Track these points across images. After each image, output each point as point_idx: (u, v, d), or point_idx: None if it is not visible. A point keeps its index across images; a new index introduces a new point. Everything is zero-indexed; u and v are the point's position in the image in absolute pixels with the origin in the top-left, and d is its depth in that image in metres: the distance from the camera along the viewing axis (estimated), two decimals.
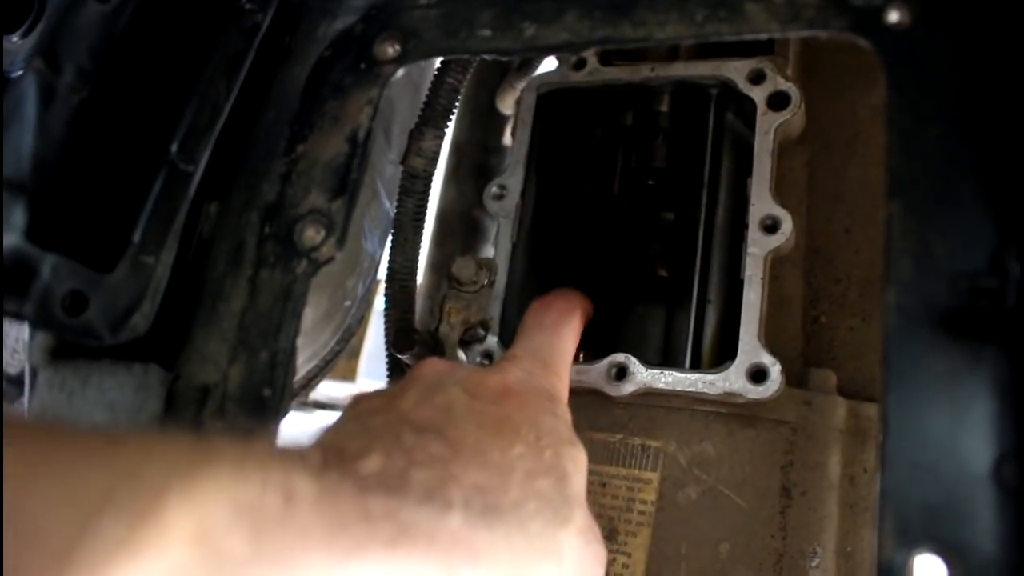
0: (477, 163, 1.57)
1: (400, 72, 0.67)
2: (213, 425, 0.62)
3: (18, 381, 0.83)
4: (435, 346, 0.95)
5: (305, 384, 1.13)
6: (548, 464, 0.67)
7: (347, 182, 0.64)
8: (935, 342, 0.49)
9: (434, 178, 1.02)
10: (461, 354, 1.00)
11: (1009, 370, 0.48)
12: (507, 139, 1.42)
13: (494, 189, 1.03)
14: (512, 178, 1.03)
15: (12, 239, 0.51)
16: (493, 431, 0.65)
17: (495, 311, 0.99)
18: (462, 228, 1.57)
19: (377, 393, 0.69)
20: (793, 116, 0.95)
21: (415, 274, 1.03)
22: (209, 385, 0.63)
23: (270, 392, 0.61)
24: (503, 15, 0.66)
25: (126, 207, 0.59)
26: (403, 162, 1.00)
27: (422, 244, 1.03)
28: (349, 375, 1.73)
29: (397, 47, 0.68)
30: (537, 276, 1.05)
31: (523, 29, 0.65)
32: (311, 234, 0.64)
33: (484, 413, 0.66)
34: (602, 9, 0.63)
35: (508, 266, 1.01)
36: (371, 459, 0.55)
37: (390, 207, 1.06)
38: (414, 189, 1.00)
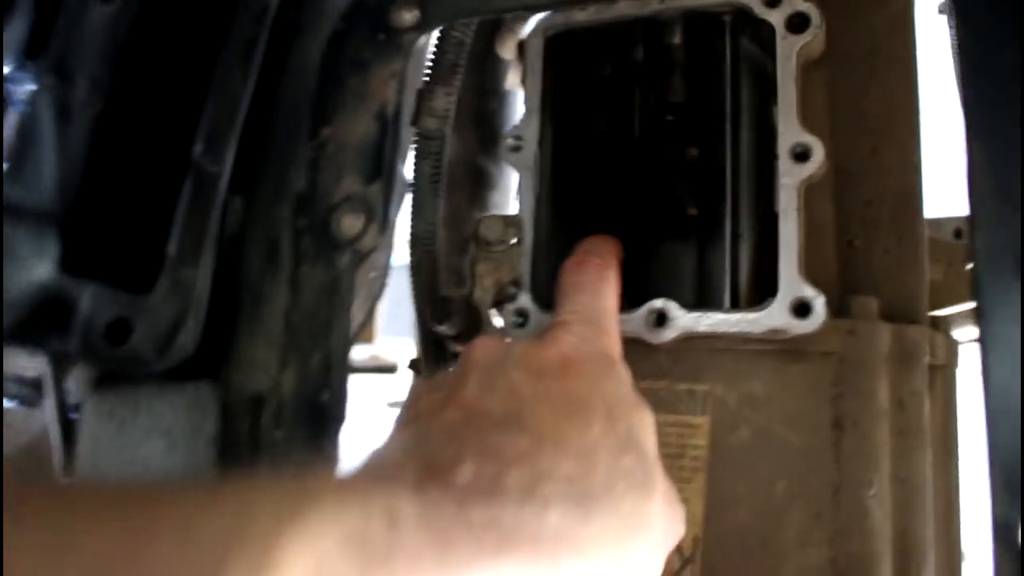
0: (475, 109, 1.52)
1: (422, 40, 0.63)
2: (272, 436, 0.60)
3: (35, 384, 0.80)
4: (470, 312, 0.93)
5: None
6: (625, 438, 0.65)
7: (382, 163, 0.61)
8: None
9: (448, 137, 0.98)
10: (496, 316, 0.97)
11: None
12: (509, 83, 1.37)
13: (510, 141, 0.99)
14: (528, 128, 0.99)
15: (48, 272, 0.48)
16: (567, 413, 0.63)
17: (525, 267, 0.96)
18: (467, 178, 1.52)
19: (436, 384, 0.68)
20: (814, 38, 0.91)
21: (436, 237, 1.00)
22: (262, 393, 0.61)
23: (329, 396, 0.59)
24: None
25: (157, 219, 0.56)
26: (415, 123, 0.96)
27: (441, 205, 1.00)
28: (366, 338, 1.71)
29: (416, 12, 0.65)
30: (563, 226, 1.02)
31: None
32: (350, 223, 0.61)
33: (551, 392, 0.65)
34: None
35: (533, 220, 0.98)
36: (464, 468, 0.53)
37: (404, 176, 1.02)
38: (429, 151, 0.97)
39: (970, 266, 1.30)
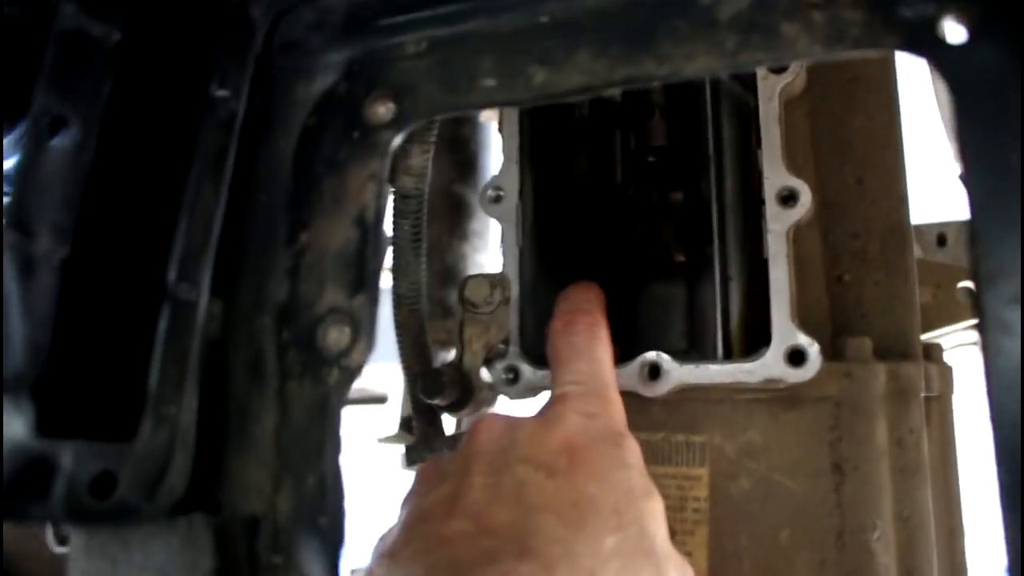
0: (450, 136, 1.49)
1: (399, 139, 0.61)
2: (269, 561, 0.58)
3: None
4: (462, 381, 0.91)
5: None
6: (636, 544, 0.64)
7: (365, 274, 0.59)
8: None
9: (426, 194, 0.96)
10: (485, 372, 0.95)
11: None
12: (484, 116, 1.34)
13: (489, 192, 0.97)
14: (507, 176, 0.97)
15: (23, 439, 0.45)
16: (576, 522, 0.61)
17: (513, 323, 0.94)
18: (445, 206, 1.50)
19: (441, 471, 0.66)
20: (796, 76, 0.89)
21: (422, 296, 0.98)
22: (257, 516, 0.59)
23: (326, 521, 0.56)
24: (506, 59, 0.60)
25: (135, 358, 0.53)
26: (391, 182, 0.94)
27: (424, 263, 0.98)
28: None
29: (391, 106, 0.62)
30: (549, 275, 1.00)
31: (531, 75, 0.59)
32: (336, 337, 0.59)
33: (559, 495, 0.63)
34: (619, 44, 0.57)
35: (518, 273, 0.96)
36: None
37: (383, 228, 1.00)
38: (408, 210, 0.95)
39: (960, 284, 1.31)
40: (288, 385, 0.60)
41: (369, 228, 0.60)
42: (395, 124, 0.61)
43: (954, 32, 0.51)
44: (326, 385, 0.58)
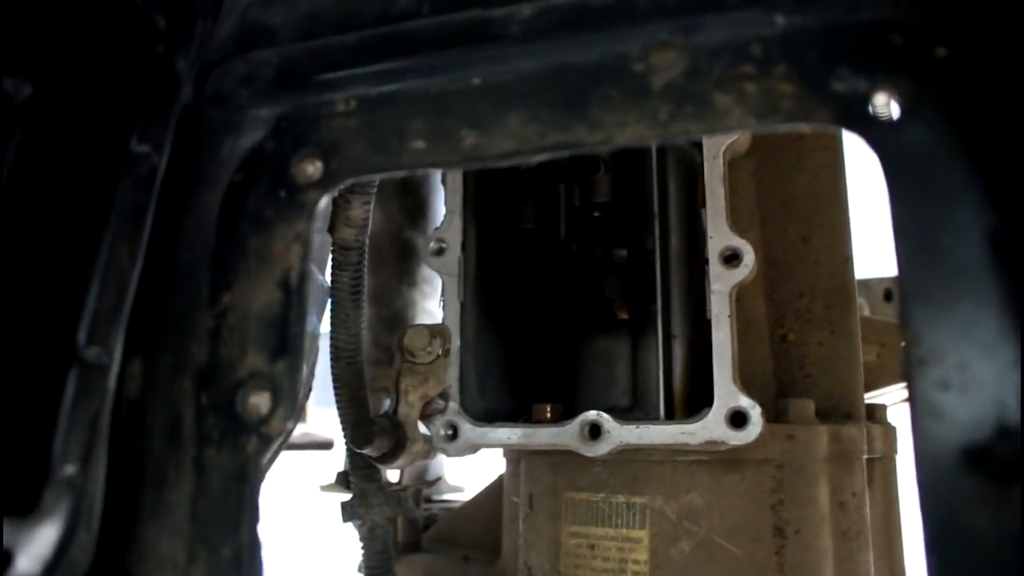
0: (399, 181, 1.48)
1: (326, 200, 0.59)
2: None
3: None
4: (396, 432, 0.89)
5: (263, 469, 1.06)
6: None
7: (287, 337, 0.57)
8: (964, 481, 0.45)
9: (367, 245, 0.95)
10: (423, 427, 0.93)
11: None
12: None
13: (432, 244, 0.95)
14: (450, 229, 0.96)
15: None
16: None
17: (453, 377, 0.92)
18: (394, 251, 1.48)
19: None
20: (741, 136, 0.89)
21: (360, 349, 0.96)
22: None
23: None
24: (436, 121, 0.58)
25: (39, 426, 0.51)
26: (331, 232, 0.93)
27: (363, 315, 0.96)
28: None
29: (319, 165, 0.60)
30: (490, 328, 0.99)
31: (461, 138, 0.57)
32: (256, 403, 0.57)
33: None
34: (549, 109, 0.56)
35: (460, 326, 0.94)
36: None
37: (323, 279, 0.98)
38: (348, 261, 0.93)
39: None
40: (206, 451, 0.57)
41: (293, 291, 0.58)
42: (322, 184, 0.60)
43: (886, 109, 0.50)
44: (244, 453, 0.56)
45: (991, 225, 0.48)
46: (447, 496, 1.42)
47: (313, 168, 0.61)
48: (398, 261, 1.49)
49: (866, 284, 1.43)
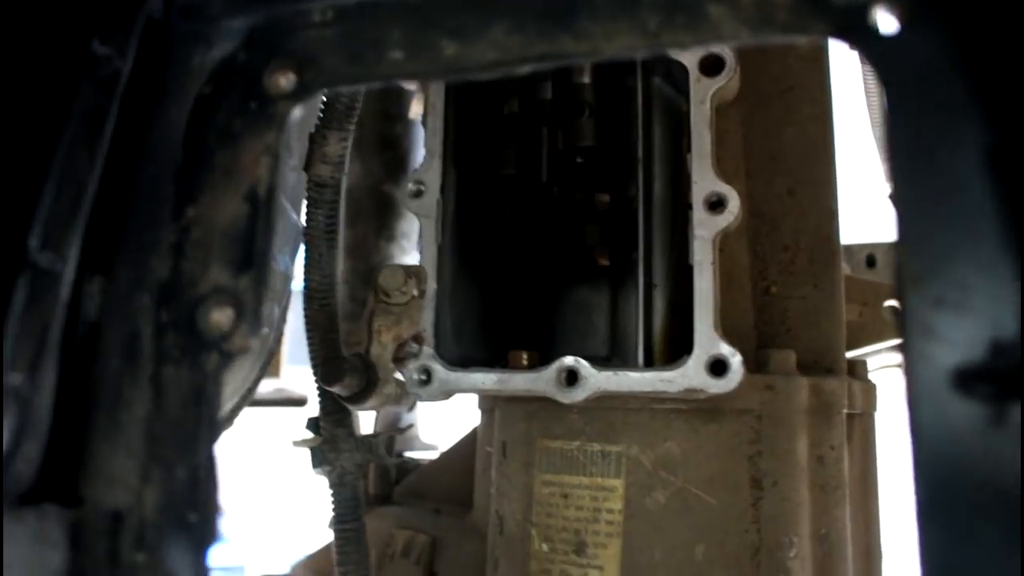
0: (379, 134, 1.45)
1: (298, 112, 0.57)
2: (132, 559, 0.53)
3: None
4: (367, 371, 0.86)
5: (230, 416, 1.03)
6: None
7: (253, 252, 0.54)
8: (957, 403, 0.43)
9: (343, 183, 0.92)
10: (397, 373, 0.91)
11: None
12: (413, 112, 1.30)
13: (411, 186, 0.93)
14: (429, 172, 0.93)
15: None
16: None
17: (428, 321, 0.90)
18: (373, 205, 1.46)
19: None
20: (729, 81, 0.86)
21: (334, 291, 0.94)
22: (121, 511, 0.53)
23: (196, 517, 0.52)
24: (416, 32, 0.56)
25: None
26: (307, 170, 0.90)
27: (338, 256, 0.93)
28: (272, 370, 1.63)
29: (292, 77, 0.57)
30: (468, 274, 0.96)
31: (442, 48, 0.55)
32: (217, 319, 0.54)
33: None
34: (536, 20, 0.53)
35: (437, 270, 0.91)
36: None
37: (297, 219, 0.95)
38: (323, 199, 0.90)
39: (887, 303, 1.30)
40: (164, 370, 0.55)
41: (260, 203, 0.55)
42: (295, 95, 0.57)
43: (886, 22, 0.48)
44: (204, 371, 0.53)
45: (990, 141, 0.46)
46: (419, 454, 1.40)
47: (286, 80, 0.58)
48: (376, 215, 1.47)
49: (849, 249, 1.41)
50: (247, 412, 1.68)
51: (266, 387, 1.63)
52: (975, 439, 0.44)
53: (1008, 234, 0.43)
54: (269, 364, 1.03)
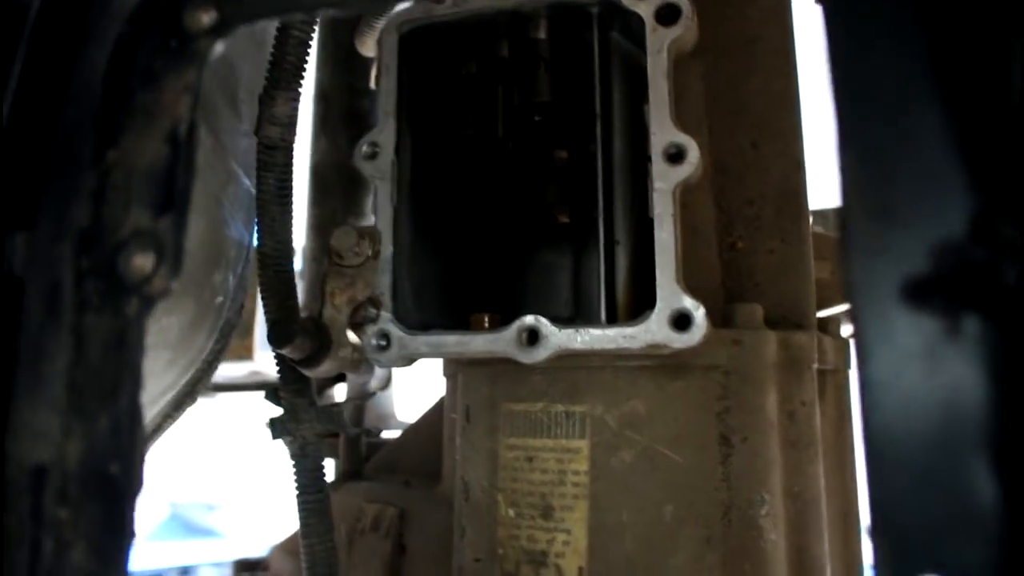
0: (346, 109, 1.43)
1: (219, 47, 0.54)
2: (55, 515, 0.51)
3: None
4: (320, 334, 0.84)
5: (191, 390, 1.01)
6: None
7: (173, 192, 0.52)
8: (908, 318, 0.41)
9: (294, 145, 0.90)
10: (352, 336, 0.89)
11: (996, 342, 0.40)
12: (372, 81, 1.28)
13: (364, 148, 0.91)
14: (383, 133, 0.91)
15: None
16: None
17: (384, 285, 0.88)
18: (340, 182, 1.44)
19: None
20: (686, 30, 0.84)
21: (290, 255, 0.92)
22: (44, 465, 0.51)
23: (118, 468, 0.50)
24: None
25: None
26: (256, 133, 0.88)
27: (293, 220, 0.91)
28: (245, 353, 1.61)
29: (212, 13, 0.55)
30: (426, 238, 0.94)
31: None
32: (140, 263, 0.52)
33: None
34: None
35: (393, 232, 0.89)
36: None
37: (250, 185, 0.93)
38: (273, 162, 0.88)
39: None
40: (85, 318, 0.53)
41: (181, 143, 0.53)
42: (216, 31, 0.55)
43: None
44: (125, 316, 0.51)
45: (934, 55, 0.44)
46: (395, 433, 1.38)
47: (207, 16, 0.56)
48: (344, 192, 1.45)
49: (823, 214, 1.39)
50: (222, 397, 1.66)
51: (240, 371, 1.62)
52: (931, 361, 0.42)
53: (953, 135, 0.41)
54: (229, 336, 1.01)
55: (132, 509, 0.50)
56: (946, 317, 0.40)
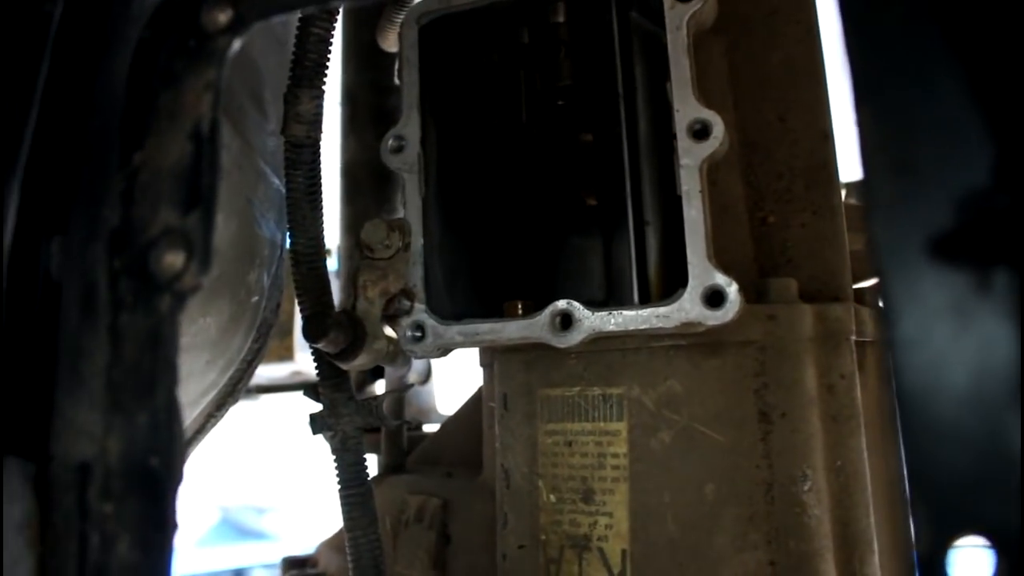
0: (374, 107, 1.44)
1: (237, 44, 0.55)
2: (100, 510, 0.52)
3: None
4: (354, 327, 0.85)
5: (232, 390, 1.03)
6: None
7: (200, 189, 0.53)
8: (935, 274, 0.40)
9: (321, 142, 0.90)
10: (388, 330, 0.89)
11: None
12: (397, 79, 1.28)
13: (391, 142, 0.91)
14: (408, 126, 0.92)
15: None
16: None
17: (416, 277, 0.88)
18: (371, 180, 1.45)
19: None
20: (705, 4, 0.84)
21: (323, 252, 0.92)
22: (88, 462, 0.53)
23: (158, 461, 0.51)
24: None
25: None
26: (283, 132, 0.89)
27: (323, 216, 0.92)
28: (286, 354, 1.63)
29: (229, 12, 0.56)
30: (456, 228, 0.95)
31: None
32: (170, 260, 0.53)
33: None
34: None
35: (422, 223, 0.90)
36: None
37: (280, 184, 0.94)
38: (301, 160, 0.89)
39: None
40: (120, 317, 0.54)
41: (204, 140, 0.54)
42: (233, 29, 0.56)
43: None
44: (158, 313, 0.52)
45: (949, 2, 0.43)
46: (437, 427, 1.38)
47: (224, 15, 0.57)
48: (375, 189, 1.46)
49: (856, 186, 1.37)
50: (265, 399, 1.68)
51: (281, 372, 1.64)
52: (961, 315, 0.41)
53: (970, 84, 0.40)
54: (267, 335, 1.02)
55: (174, 501, 0.51)
56: (974, 272, 0.40)
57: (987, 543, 0.38)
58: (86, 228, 0.56)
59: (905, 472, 0.41)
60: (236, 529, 6.07)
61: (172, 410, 0.51)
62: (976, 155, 0.38)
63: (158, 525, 0.51)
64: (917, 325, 0.42)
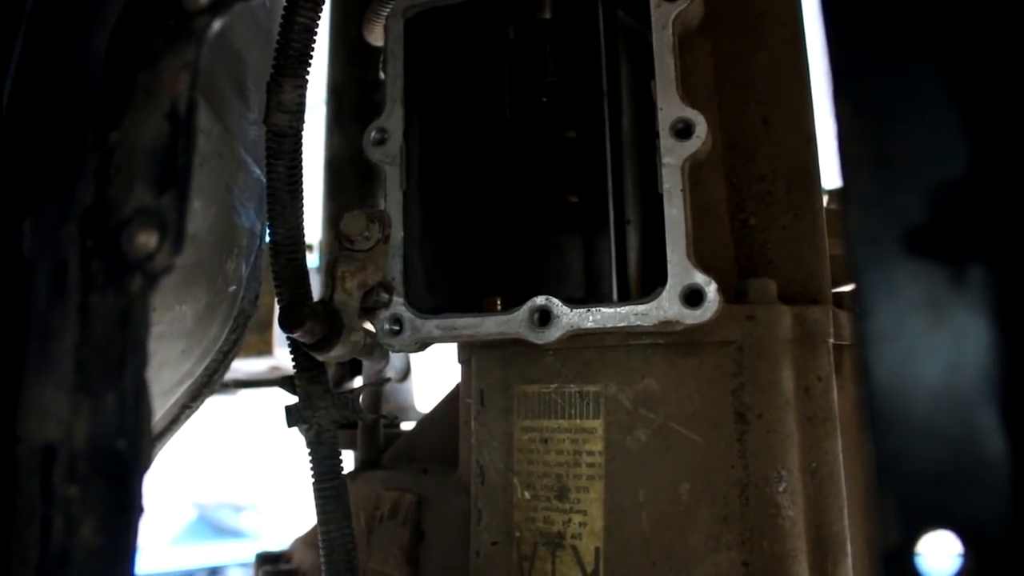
0: (359, 102, 1.44)
1: (217, 25, 0.55)
2: (65, 493, 0.51)
3: None
4: (331, 318, 0.84)
5: (207, 380, 1.02)
6: None
7: (175, 169, 0.52)
8: (910, 268, 0.40)
9: (303, 132, 0.90)
10: (367, 324, 0.89)
11: (1000, 290, 0.39)
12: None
13: (373, 134, 0.91)
14: (391, 119, 0.91)
15: None
16: None
17: (396, 269, 0.88)
18: (355, 176, 1.44)
19: None
20: (691, 4, 0.84)
21: (302, 243, 0.92)
22: (53, 444, 0.52)
23: (125, 443, 0.50)
24: None
25: None
26: (265, 121, 0.88)
27: (304, 208, 0.91)
28: (264, 349, 1.62)
29: None
30: (436, 223, 0.94)
31: None
32: (143, 240, 0.52)
33: None
34: None
35: (402, 217, 0.89)
36: None
37: (261, 174, 0.93)
38: (283, 149, 0.88)
39: None
40: (90, 297, 0.53)
41: (180, 120, 0.53)
42: (212, 9, 0.55)
43: None
44: (129, 294, 0.52)
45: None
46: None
47: None
48: (359, 185, 1.45)
49: (838, 192, 1.38)
50: (243, 394, 1.66)
51: (260, 366, 1.63)
52: (932, 306, 0.41)
53: (947, 77, 0.40)
54: (245, 326, 1.01)
55: (140, 485, 0.50)
56: (949, 265, 0.40)
57: (956, 537, 0.38)
58: (58, 207, 0.55)
59: (874, 465, 0.41)
60: (212, 527, 6.03)
61: (141, 392, 0.51)
62: (952, 148, 0.38)
63: (123, 509, 0.51)
64: (891, 319, 0.42)
